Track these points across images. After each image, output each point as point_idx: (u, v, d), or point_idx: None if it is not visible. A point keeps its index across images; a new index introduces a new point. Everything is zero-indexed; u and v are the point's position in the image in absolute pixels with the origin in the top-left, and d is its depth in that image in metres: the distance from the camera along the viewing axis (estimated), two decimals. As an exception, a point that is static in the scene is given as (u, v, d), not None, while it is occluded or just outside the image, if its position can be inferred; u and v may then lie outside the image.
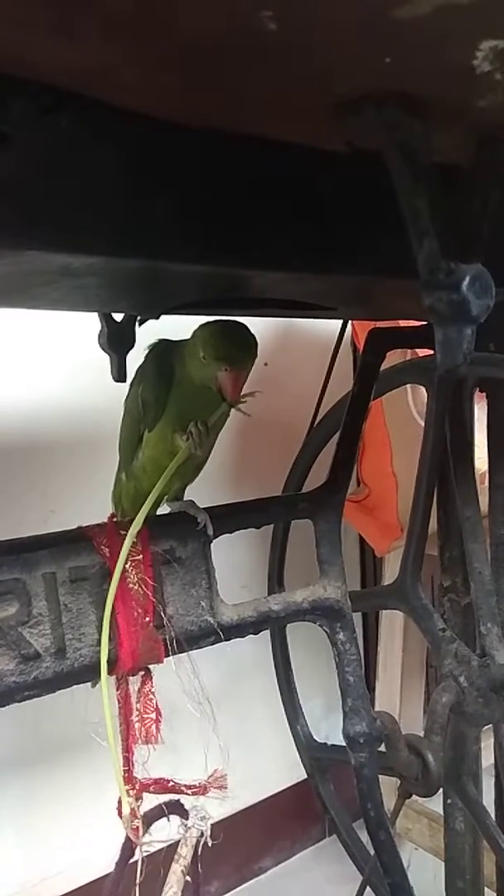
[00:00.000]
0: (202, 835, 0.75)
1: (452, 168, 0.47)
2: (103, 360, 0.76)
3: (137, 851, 0.71)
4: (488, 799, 0.95)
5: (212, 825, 0.75)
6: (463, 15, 0.33)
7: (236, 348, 0.65)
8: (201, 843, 0.75)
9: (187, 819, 0.74)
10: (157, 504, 0.79)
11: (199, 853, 0.75)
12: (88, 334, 0.77)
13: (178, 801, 0.72)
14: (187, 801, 0.74)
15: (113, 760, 0.67)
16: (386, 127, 0.42)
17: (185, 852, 0.76)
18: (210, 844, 0.74)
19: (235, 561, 1.33)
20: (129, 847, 0.71)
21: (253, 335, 0.67)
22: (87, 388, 1.21)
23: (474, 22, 0.34)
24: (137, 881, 0.70)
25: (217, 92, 0.41)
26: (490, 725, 0.91)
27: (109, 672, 0.66)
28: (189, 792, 0.72)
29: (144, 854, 0.71)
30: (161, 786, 0.70)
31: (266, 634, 1.10)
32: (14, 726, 1.19)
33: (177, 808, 0.72)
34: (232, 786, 0.74)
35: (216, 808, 0.74)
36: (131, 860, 0.72)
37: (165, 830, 0.73)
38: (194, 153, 0.48)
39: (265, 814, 1.53)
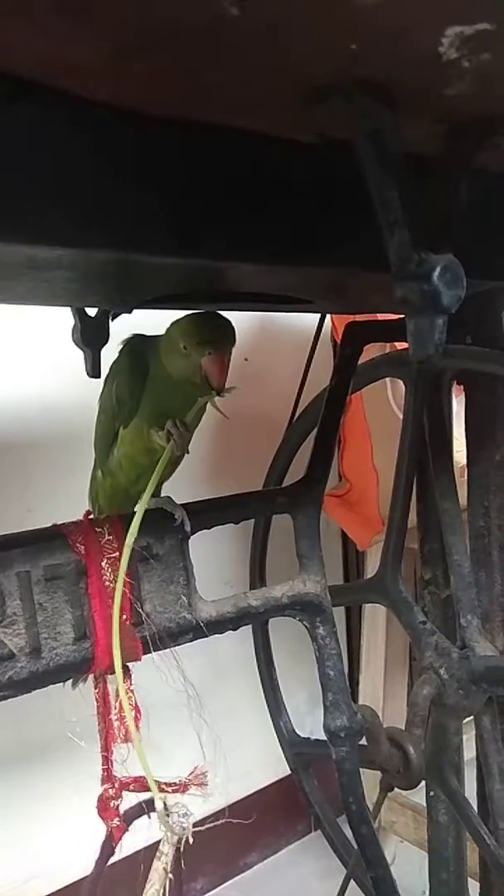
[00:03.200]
0: (184, 832, 0.74)
1: (423, 158, 0.47)
2: (78, 355, 0.76)
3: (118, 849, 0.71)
4: (471, 791, 0.96)
5: (197, 822, 0.74)
6: (426, 0, 0.32)
7: (218, 332, 0.65)
8: (183, 840, 0.74)
9: (168, 815, 0.73)
10: (135, 501, 0.78)
11: (182, 850, 0.74)
12: (62, 330, 0.76)
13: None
14: (170, 798, 0.73)
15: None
16: (354, 115, 0.41)
17: (166, 850, 0.75)
18: (192, 842, 0.74)
19: (218, 557, 1.33)
20: (109, 845, 0.70)
21: (230, 321, 0.67)
22: (63, 384, 1.20)
23: (438, 7, 0.33)
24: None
25: (183, 80, 0.41)
26: (471, 717, 0.91)
27: (86, 671, 0.66)
28: (169, 790, 0.72)
29: (126, 854, 0.71)
30: (141, 784, 0.70)
31: (248, 631, 1.10)
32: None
33: (158, 805, 0.72)
34: (216, 782, 0.73)
35: (201, 805, 0.73)
36: (111, 858, 0.71)
37: (147, 829, 0.72)
38: (165, 143, 0.47)
39: (250, 809, 1.53)
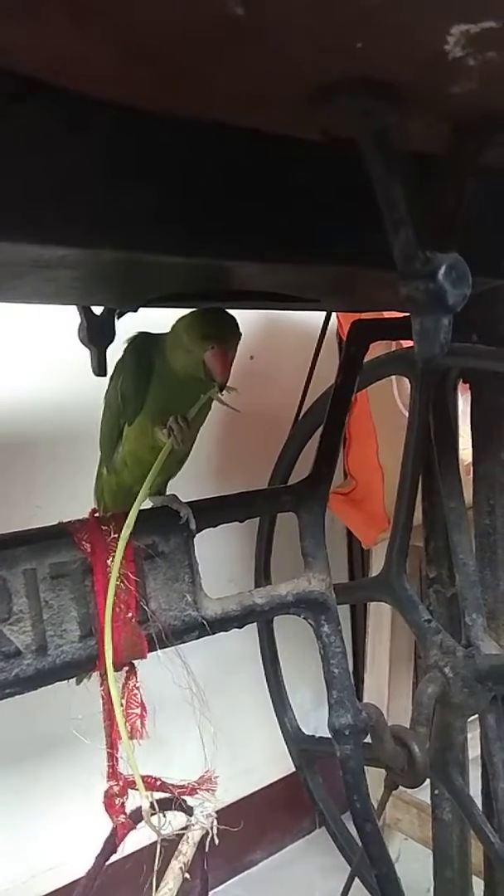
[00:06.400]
0: (207, 834, 0.73)
1: (428, 156, 0.47)
2: (84, 354, 0.76)
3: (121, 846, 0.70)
4: (475, 789, 0.96)
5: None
6: (433, -2, 0.32)
7: (221, 326, 0.66)
8: (207, 841, 0.73)
9: (191, 815, 0.73)
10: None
11: (207, 851, 0.73)
12: (68, 328, 0.76)
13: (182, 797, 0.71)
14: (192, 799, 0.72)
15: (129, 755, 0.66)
16: (359, 114, 0.41)
17: (185, 850, 0.75)
18: (217, 843, 0.73)
19: (223, 555, 1.33)
20: (112, 842, 0.70)
21: (234, 317, 0.67)
22: (69, 382, 1.20)
23: (444, 6, 0.33)
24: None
25: (188, 80, 0.41)
26: (476, 716, 0.91)
27: (92, 668, 0.66)
28: (177, 792, 0.71)
29: (131, 850, 0.71)
30: (149, 784, 0.70)
31: (253, 628, 1.10)
32: None
33: (179, 805, 0.71)
34: (221, 779, 0.74)
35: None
36: (113, 856, 0.71)
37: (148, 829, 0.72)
38: (170, 143, 0.48)
39: (255, 807, 1.53)
